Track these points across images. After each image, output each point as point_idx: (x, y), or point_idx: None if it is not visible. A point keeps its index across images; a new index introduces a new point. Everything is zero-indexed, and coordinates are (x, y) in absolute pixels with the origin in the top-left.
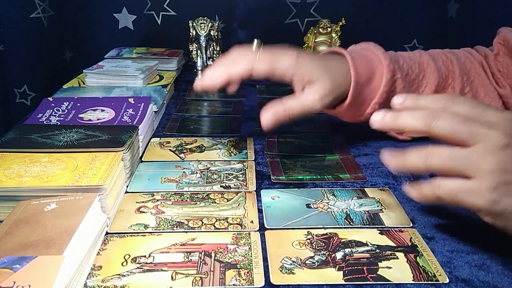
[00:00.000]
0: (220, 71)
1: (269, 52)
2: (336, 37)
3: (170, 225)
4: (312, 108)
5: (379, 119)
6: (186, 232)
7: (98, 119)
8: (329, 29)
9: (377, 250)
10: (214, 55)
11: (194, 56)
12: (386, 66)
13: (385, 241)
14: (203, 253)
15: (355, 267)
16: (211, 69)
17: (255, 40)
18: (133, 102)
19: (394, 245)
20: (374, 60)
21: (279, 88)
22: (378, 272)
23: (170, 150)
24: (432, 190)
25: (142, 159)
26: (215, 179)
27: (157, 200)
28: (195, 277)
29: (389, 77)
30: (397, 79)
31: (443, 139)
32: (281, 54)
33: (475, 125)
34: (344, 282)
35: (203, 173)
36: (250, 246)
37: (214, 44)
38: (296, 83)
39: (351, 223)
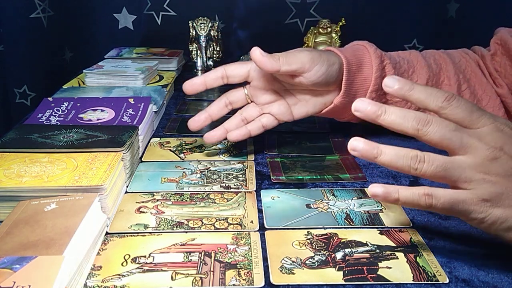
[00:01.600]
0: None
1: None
2: (336, 37)
3: (170, 225)
4: (311, 74)
5: (362, 108)
6: (186, 232)
7: (98, 119)
8: (329, 29)
9: (377, 250)
10: (214, 55)
11: (194, 56)
12: (373, 52)
13: (385, 241)
14: (203, 253)
15: (355, 267)
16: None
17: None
18: (133, 102)
19: (394, 245)
20: (360, 49)
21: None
22: (378, 272)
23: (170, 150)
24: (424, 200)
25: (142, 159)
26: (215, 179)
27: (157, 200)
28: (195, 277)
29: (378, 62)
30: (386, 65)
31: (431, 145)
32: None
33: (466, 135)
34: (344, 282)
35: (203, 173)
36: (250, 246)
37: (214, 44)
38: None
39: (351, 223)
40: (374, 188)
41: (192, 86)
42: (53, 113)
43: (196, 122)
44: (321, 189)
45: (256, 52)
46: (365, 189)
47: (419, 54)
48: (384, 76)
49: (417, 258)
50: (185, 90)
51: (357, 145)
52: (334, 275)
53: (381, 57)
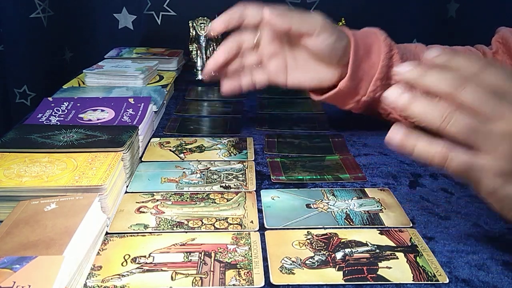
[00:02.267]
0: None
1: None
2: None
3: (170, 225)
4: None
5: (404, 71)
6: (186, 232)
7: (98, 119)
8: None
9: (377, 250)
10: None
11: (194, 56)
12: (383, 41)
13: (385, 241)
14: (203, 253)
15: (355, 267)
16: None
17: (259, 32)
18: (133, 102)
19: (394, 245)
20: (371, 36)
21: (279, 88)
22: (378, 272)
23: (170, 150)
24: (442, 157)
25: (142, 159)
26: (215, 179)
27: (157, 200)
28: (195, 277)
29: (386, 51)
30: (394, 54)
31: (465, 107)
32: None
33: (501, 101)
34: (344, 282)
35: (203, 173)
36: (250, 246)
37: (214, 44)
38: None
39: (351, 223)
40: (393, 135)
41: (216, 27)
42: (53, 113)
43: (211, 65)
44: (321, 189)
45: (266, 11)
46: (365, 189)
47: (424, 48)
48: (391, 65)
49: (417, 258)
50: (212, 29)
51: (395, 92)
52: (334, 275)
53: (390, 46)
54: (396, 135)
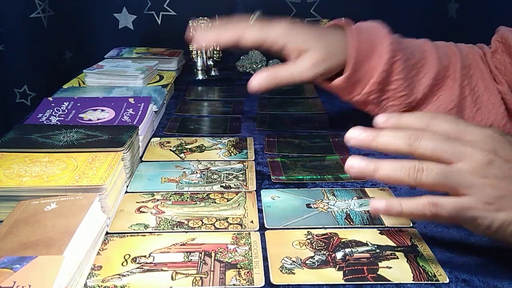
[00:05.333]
0: (210, 35)
1: (262, 21)
2: None
3: (170, 225)
4: (302, 76)
5: (355, 136)
6: (186, 232)
7: (98, 119)
8: None
9: (377, 250)
10: (214, 55)
11: (194, 56)
12: (387, 46)
13: (385, 241)
14: (203, 253)
15: (355, 267)
16: (203, 31)
17: (256, 12)
18: (133, 102)
19: (394, 245)
20: (376, 38)
21: (279, 88)
22: (378, 272)
23: (170, 150)
24: (429, 210)
25: (142, 159)
26: (215, 179)
27: (157, 200)
28: (195, 277)
29: (388, 57)
30: (396, 61)
31: (425, 158)
32: (274, 23)
33: (457, 143)
34: (344, 282)
35: (203, 173)
36: (250, 246)
37: (214, 44)
38: (289, 52)
39: (351, 223)
40: (376, 204)
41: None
42: (53, 113)
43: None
44: (321, 189)
45: (250, 84)
46: (365, 189)
47: (432, 45)
48: (392, 71)
49: (417, 258)
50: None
51: (354, 162)
52: (334, 275)
53: (393, 52)
54: (380, 205)
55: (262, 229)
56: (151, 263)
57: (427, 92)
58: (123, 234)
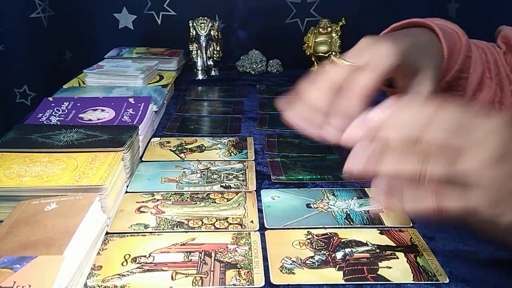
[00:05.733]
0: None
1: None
2: (336, 37)
3: (170, 225)
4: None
5: (355, 169)
6: (186, 232)
7: (98, 119)
8: (329, 29)
9: (377, 250)
10: (214, 55)
11: (194, 56)
12: (465, 42)
13: (385, 241)
14: (203, 253)
15: (355, 267)
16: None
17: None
18: (133, 102)
19: (394, 245)
20: (453, 35)
21: (279, 88)
22: (378, 272)
23: (170, 150)
24: (434, 215)
25: (142, 159)
26: (215, 179)
27: (157, 200)
28: (195, 277)
29: (465, 55)
30: (469, 56)
31: (434, 153)
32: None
33: (463, 141)
34: (344, 282)
35: (203, 173)
36: (250, 246)
37: (214, 44)
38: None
39: (351, 223)
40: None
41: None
42: (53, 113)
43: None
44: (321, 189)
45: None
46: (365, 189)
47: (472, 43)
48: (462, 69)
49: (417, 258)
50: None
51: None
52: (334, 275)
53: (469, 49)
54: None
55: (262, 229)
56: (151, 263)
57: (475, 90)
58: (123, 234)
